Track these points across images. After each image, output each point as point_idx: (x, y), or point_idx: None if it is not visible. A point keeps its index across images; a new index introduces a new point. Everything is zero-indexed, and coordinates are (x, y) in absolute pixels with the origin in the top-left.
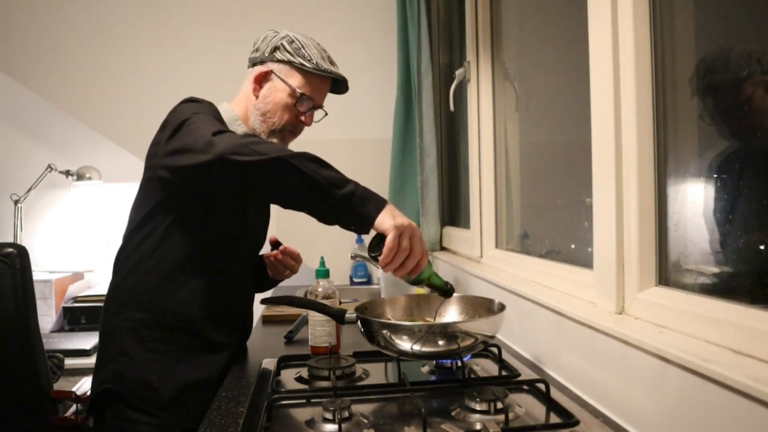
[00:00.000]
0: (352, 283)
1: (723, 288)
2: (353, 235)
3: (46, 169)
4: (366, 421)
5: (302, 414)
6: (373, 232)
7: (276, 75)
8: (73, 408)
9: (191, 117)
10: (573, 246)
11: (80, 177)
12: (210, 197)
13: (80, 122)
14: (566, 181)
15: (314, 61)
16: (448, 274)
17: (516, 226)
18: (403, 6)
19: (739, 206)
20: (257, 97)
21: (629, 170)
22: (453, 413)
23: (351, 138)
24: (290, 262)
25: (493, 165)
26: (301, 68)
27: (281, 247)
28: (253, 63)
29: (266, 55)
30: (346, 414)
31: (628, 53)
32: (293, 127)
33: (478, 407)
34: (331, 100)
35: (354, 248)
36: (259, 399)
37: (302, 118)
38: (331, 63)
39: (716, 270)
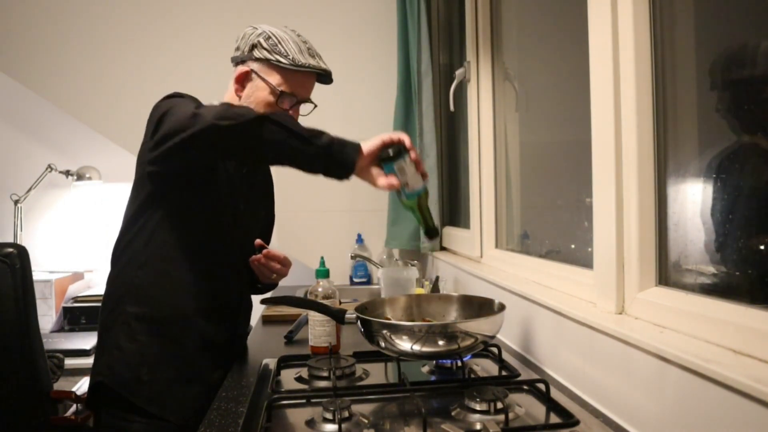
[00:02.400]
0: (352, 283)
1: (723, 288)
2: (353, 235)
3: (46, 169)
4: (366, 421)
5: (302, 414)
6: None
7: (256, 74)
8: (73, 408)
9: (169, 108)
10: (573, 246)
11: (80, 177)
12: (199, 194)
13: (80, 122)
14: (566, 181)
15: (290, 57)
16: (448, 273)
17: (516, 226)
18: (403, 6)
19: (739, 206)
20: (240, 97)
21: (629, 170)
22: (453, 413)
23: (351, 138)
24: (275, 266)
25: (493, 165)
26: (277, 65)
27: (264, 251)
28: (236, 63)
29: (246, 53)
30: (346, 414)
31: (628, 53)
32: None
33: (478, 407)
34: (331, 100)
35: (354, 248)
36: (259, 399)
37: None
38: (312, 55)
39: (716, 270)
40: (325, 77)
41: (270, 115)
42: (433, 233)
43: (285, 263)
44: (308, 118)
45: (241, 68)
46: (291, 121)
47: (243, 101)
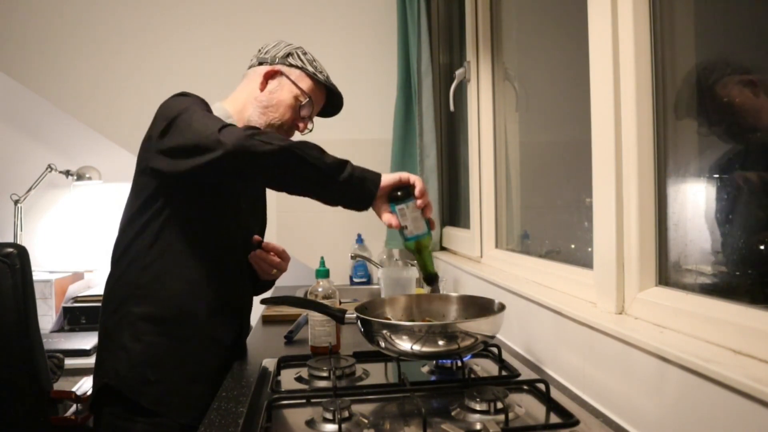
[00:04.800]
0: (352, 283)
1: (723, 288)
2: (353, 235)
3: (46, 169)
4: (366, 421)
5: (302, 414)
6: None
7: (286, 76)
8: (73, 408)
9: (182, 113)
10: (573, 246)
11: (80, 177)
12: (203, 194)
13: (80, 122)
14: (566, 181)
15: (325, 75)
16: (448, 274)
17: (516, 226)
18: (403, 6)
19: (739, 206)
20: (262, 91)
21: (629, 170)
22: (453, 413)
23: (351, 138)
24: (274, 259)
25: (493, 165)
26: (314, 77)
27: (263, 244)
28: (261, 62)
29: (277, 59)
30: (346, 414)
31: (628, 53)
32: (289, 128)
33: (478, 407)
34: None
35: (354, 248)
36: (259, 399)
37: (300, 123)
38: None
39: (716, 270)
40: (334, 107)
41: (294, 147)
42: (430, 280)
43: (284, 257)
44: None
45: (270, 67)
46: (314, 152)
47: (264, 95)
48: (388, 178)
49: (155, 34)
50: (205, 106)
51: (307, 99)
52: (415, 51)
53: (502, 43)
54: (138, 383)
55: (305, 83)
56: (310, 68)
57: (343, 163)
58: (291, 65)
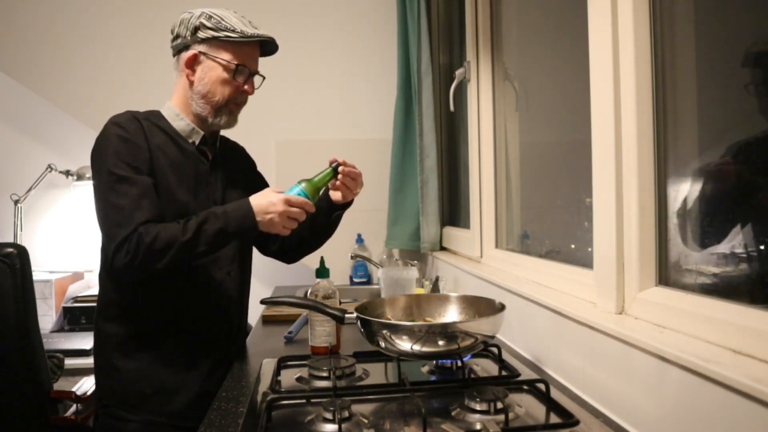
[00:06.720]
0: (352, 283)
1: (723, 288)
2: (353, 235)
3: (46, 169)
4: (366, 421)
5: (302, 414)
6: None
7: (205, 54)
8: (73, 408)
9: (98, 200)
10: (573, 246)
11: (80, 177)
12: (164, 207)
13: (80, 122)
14: (566, 181)
15: (238, 30)
16: (449, 273)
17: (516, 226)
18: (403, 6)
19: (739, 206)
20: (193, 82)
21: (629, 170)
22: (453, 413)
23: (351, 138)
24: (353, 177)
25: (493, 165)
26: (228, 40)
27: (343, 171)
28: (178, 50)
29: (189, 38)
30: (346, 414)
31: (628, 53)
32: (236, 99)
33: (478, 407)
34: (331, 100)
35: (354, 248)
36: (259, 399)
37: (243, 88)
38: (255, 27)
39: (716, 270)
40: (271, 46)
41: (186, 245)
42: (335, 174)
43: (358, 175)
44: (310, 126)
45: (187, 53)
46: (197, 249)
47: (196, 85)
48: (260, 218)
49: (155, 34)
50: (128, 157)
51: (235, 65)
52: (415, 51)
53: (502, 43)
54: (136, 399)
55: (225, 53)
56: (221, 34)
57: (221, 233)
58: (202, 41)
